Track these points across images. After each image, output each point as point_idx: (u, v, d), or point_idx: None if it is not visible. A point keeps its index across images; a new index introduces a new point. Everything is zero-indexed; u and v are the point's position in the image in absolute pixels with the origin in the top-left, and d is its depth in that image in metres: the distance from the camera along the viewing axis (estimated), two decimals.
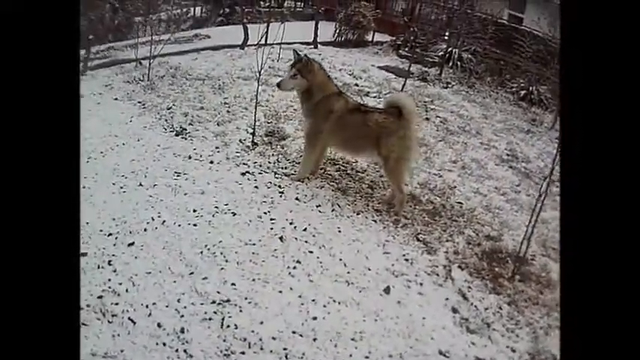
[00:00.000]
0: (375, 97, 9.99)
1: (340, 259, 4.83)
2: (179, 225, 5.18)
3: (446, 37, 14.15)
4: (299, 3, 24.98)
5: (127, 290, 4.24)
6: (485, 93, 12.35)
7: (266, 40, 13.12)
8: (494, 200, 6.43)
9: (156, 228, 5.13)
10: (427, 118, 9.17)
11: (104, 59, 12.75)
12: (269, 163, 6.66)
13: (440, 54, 13.76)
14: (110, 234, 4.98)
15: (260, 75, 7.17)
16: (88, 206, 5.43)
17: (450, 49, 13.72)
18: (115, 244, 4.82)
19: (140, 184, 5.96)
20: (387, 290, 4.50)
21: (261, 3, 19.01)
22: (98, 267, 4.48)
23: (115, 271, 4.46)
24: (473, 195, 6.49)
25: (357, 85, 10.79)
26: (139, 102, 8.85)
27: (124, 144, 7.05)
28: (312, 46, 14.26)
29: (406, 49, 14.50)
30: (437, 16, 17.72)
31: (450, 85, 12.24)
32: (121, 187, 5.89)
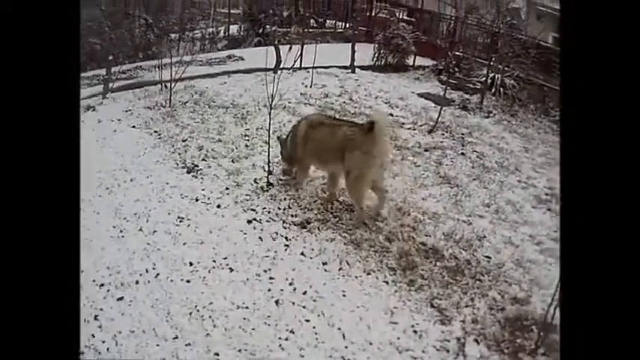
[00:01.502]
0: (409, 128, 9.45)
1: (339, 329, 4.33)
2: (172, 280, 4.87)
3: (488, 62, 13.44)
4: (340, 23, 24.33)
5: (107, 349, 4.04)
6: (528, 122, 11.63)
7: (300, 64, 12.70)
8: (527, 252, 5.80)
9: (148, 282, 4.85)
10: (463, 153, 8.56)
11: (130, 80, 12.55)
12: (279, 209, 6.18)
13: (482, 79, 13.11)
14: (102, 284, 4.78)
15: (271, 106, 6.69)
16: (86, 252, 5.16)
17: (492, 74, 13.05)
18: (105, 297, 4.62)
19: (140, 229, 5.68)
20: None
21: (305, 22, 18.53)
22: (85, 320, 4.28)
23: (100, 326, 4.26)
24: (503, 246, 5.85)
25: (392, 115, 10.20)
26: (156, 131, 8.55)
27: (131, 180, 6.79)
28: (350, 71, 13.67)
29: (447, 74, 13.86)
30: (482, 39, 17.14)
31: (491, 114, 11.51)
32: (121, 232, 5.64)
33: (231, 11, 24.76)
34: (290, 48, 11.14)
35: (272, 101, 6.61)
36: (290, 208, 6.21)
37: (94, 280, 4.80)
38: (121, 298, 4.58)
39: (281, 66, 12.42)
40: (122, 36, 16.23)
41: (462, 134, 9.56)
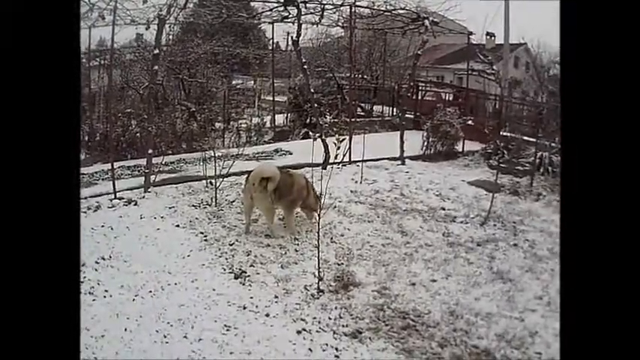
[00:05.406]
0: (462, 222, 9.32)
1: None
2: None
3: (536, 141, 13.15)
4: (387, 108, 24.36)
5: None
6: None
7: (350, 157, 12.64)
8: None
9: None
10: (515, 244, 8.34)
11: (173, 174, 12.74)
12: (329, 319, 6.00)
13: (531, 160, 12.90)
14: None
15: (321, 207, 6.64)
16: (126, 353, 5.18)
17: (540, 152, 12.83)
18: None
19: (185, 336, 5.56)
20: None
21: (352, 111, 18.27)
22: None
23: None
24: (553, 340, 5.57)
25: (443, 208, 10.09)
26: (202, 233, 8.58)
27: (176, 284, 6.74)
28: (400, 162, 13.69)
29: (496, 157, 13.65)
30: (527, 113, 16.91)
31: (541, 196, 11.28)
32: (165, 337, 5.54)
33: (277, 99, 24.75)
34: (339, 140, 11.20)
35: (321, 201, 6.56)
36: (341, 317, 6.03)
37: None
38: None
39: (330, 160, 12.51)
40: (162, 125, 15.91)
41: (514, 222, 9.39)
